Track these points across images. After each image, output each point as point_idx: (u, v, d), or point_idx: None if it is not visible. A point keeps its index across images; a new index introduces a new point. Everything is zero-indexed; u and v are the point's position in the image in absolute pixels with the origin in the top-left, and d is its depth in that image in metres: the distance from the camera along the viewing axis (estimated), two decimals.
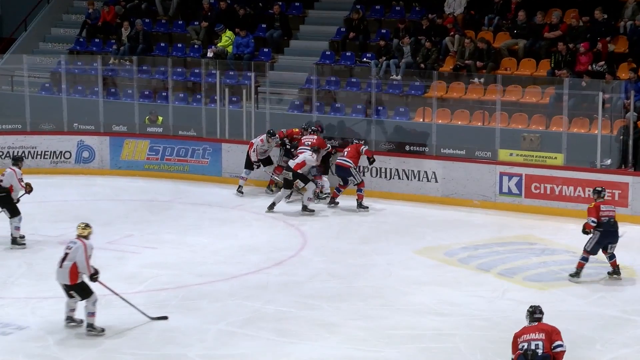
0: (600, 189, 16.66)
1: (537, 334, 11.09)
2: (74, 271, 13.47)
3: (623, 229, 16.75)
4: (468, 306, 15.66)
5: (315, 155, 21.25)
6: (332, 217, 21.45)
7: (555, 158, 21.87)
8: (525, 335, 11.12)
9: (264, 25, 28.43)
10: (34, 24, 30.52)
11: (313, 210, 21.22)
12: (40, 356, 13.35)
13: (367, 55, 26.24)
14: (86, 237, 13.71)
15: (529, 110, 23.39)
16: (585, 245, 16.19)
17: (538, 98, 23.72)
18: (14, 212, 18.43)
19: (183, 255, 18.37)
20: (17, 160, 19.17)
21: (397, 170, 22.80)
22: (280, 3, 28.47)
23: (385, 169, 22.71)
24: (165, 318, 14.54)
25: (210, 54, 27.26)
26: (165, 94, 26.52)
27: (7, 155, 24.30)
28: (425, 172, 21.52)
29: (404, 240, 19.58)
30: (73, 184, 24.27)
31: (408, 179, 22.70)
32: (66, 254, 13.55)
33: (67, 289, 13.69)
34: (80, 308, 13.85)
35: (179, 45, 28.66)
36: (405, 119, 24.39)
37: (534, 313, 11.45)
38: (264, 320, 14.52)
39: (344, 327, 14.68)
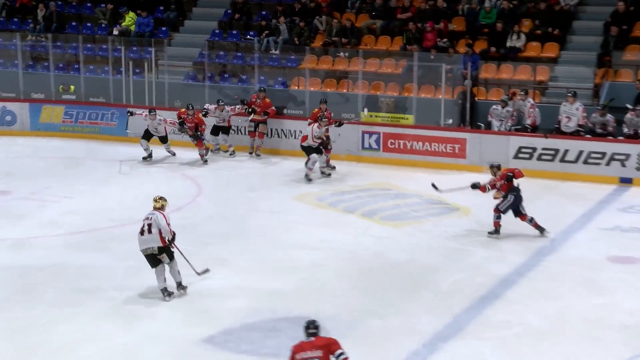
0: (496, 164, 16.40)
1: (313, 351, 9.40)
2: (161, 236, 12.95)
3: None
4: (337, 242, 15.91)
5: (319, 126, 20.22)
6: (224, 170, 21.44)
7: (407, 119, 22.35)
8: (302, 354, 9.41)
9: (161, 8, 28.32)
10: None
11: (310, 180, 20.37)
12: None
13: (250, 33, 26.23)
14: (161, 209, 13.21)
15: (385, 79, 23.70)
16: (499, 206, 15.99)
17: (393, 69, 24.07)
18: None
19: (96, 203, 18.26)
20: None
21: (277, 130, 22.91)
22: None
23: (270, 129, 22.73)
24: (208, 271, 14.22)
25: (115, 32, 27.01)
26: (77, 66, 26.09)
27: None
28: (301, 131, 21.52)
29: (284, 189, 19.71)
30: None
31: (287, 137, 22.80)
32: (149, 225, 12.99)
33: (159, 252, 13.02)
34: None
35: (88, 24, 28.33)
36: (283, 87, 24.43)
37: (308, 328, 9.63)
38: None
39: (234, 261, 14.81)
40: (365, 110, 22.49)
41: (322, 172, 20.61)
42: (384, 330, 12.32)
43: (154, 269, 13.08)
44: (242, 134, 22.99)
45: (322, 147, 20.30)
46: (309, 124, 20.46)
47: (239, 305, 12.96)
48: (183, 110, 21.84)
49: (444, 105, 21.90)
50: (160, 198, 13.35)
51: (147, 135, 21.92)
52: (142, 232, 13.02)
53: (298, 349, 9.45)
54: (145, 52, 25.60)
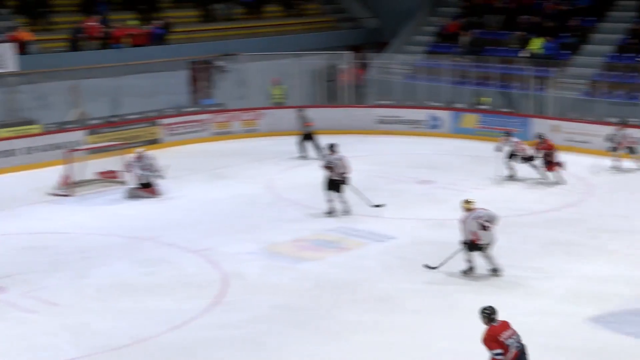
0: None
1: (510, 329, 8.64)
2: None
3: None
4: None
5: None
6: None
7: None
8: (506, 332, 8.55)
9: (565, 34, 27.46)
10: (402, 33, 30.91)
11: None
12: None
13: None
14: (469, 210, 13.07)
15: None
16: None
17: None
18: None
19: (499, 195, 18.14)
20: None
21: None
22: (578, 18, 27.40)
23: None
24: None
25: (524, 54, 26.70)
26: (491, 82, 26.10)
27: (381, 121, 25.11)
28: None
29: None
30: (426, 142, 24.42)
31: None
32: (485, 221, 12.90)
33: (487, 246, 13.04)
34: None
35: (502, 48, 28.13)
36: None
37: (492, 314, 8.71)
38: None
39: (621, 252, 14.05)
40: None
41: None
42: None
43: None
44: None
45: None
46: None
47: (624, 292, 12.33)
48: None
49: None
50: (468, 201, 13.23)
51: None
52: (485, 227, 12.88)
53: (499, 331, 8.56)
54: (548, 71, 25.11)
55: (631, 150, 20.35)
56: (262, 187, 18.98)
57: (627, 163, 20.21)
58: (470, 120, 25.10)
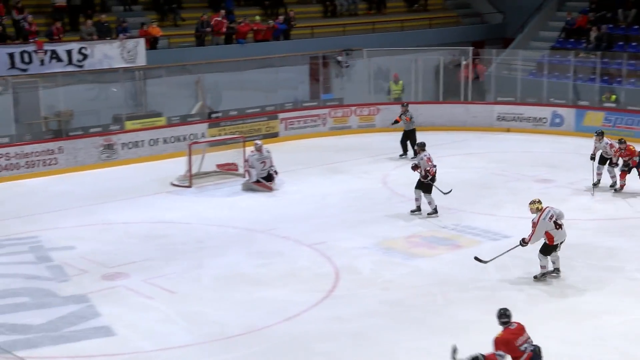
0: None
1: (525, 333, 8.94)
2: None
3: None
4: None
5: None
6: None
7: None
8: (521, 338, 8.84)
9: None
10: (527, 28, 30.43)
11: None
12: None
13: None
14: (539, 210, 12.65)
15: None
16: None
17: None
18: None
19: None
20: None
21: None
22: None
23: None
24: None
25: None
26: (620, 79, 25.44)
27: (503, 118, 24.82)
28: None
29: None
30: (547, 140, 23.94)
31: None
32: (558, 219, 12.66)
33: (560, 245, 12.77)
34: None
35: (634, 43, 27.33)
36: None
37: (509, 317, 9.07)
38: None
39: None
40: None
41: None
42: None
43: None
44: None
45: None
46: None
47: None
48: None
49: None
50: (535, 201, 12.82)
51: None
52: (559, 227, 12.55)
53: (514, 336, 8.85)
54: None
55: None
56: (377, 183, 19.06)
57: None
58: (595, 118, 24.46)
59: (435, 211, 16.24)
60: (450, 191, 16.37)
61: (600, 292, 12.43)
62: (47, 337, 11.07)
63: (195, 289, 12.77)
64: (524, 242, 12.72)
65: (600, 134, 18.51)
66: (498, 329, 9.12)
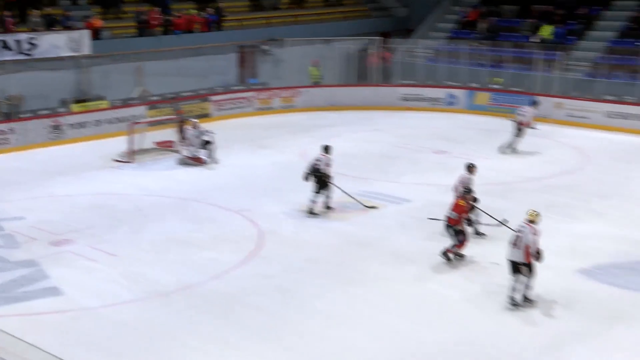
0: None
1: None
2: (527, 252, 10.20)
3: None
4: None
5: None
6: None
7: None
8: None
9: (572, 21, 26.98)
10: (428, 21, 30.53)
11: None
12: None
13: None
14: (534, 223, 10.35)
15: None
16: None
17: None
18: None
19: (505, 164, 17.95)
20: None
21: None
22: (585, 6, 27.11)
23: None
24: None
25: (535, 40, 26.25)
26: (503, 65, 25.67)
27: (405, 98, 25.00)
28: None
29: None
30: (443, 117, 24.11)
31: None
32: (518, 237, 10.30)
33: (518, 265, 10.35)
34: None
35: (515, 34, 27.61)
36: None
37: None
38: None
39: (609, 215, 13.81)
40: None
41: None
42: None
43: (511, 275, 10.46)
44: None
45: None
46: None
47: (611, 248, 12.17)
48: None
49: None
50: (535, 213, 10.44)
51: None
52: (513, 243, 10.36)
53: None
54: (555, 55, 24.65)
55: None
56: (298, 156, 18.96)
57: None
58: (483, 98, 24.80)
59: (329, 207, 14.58)
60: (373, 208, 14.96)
61: (489, 244, 12.55)
62: None
63: (135, 252, 12.53)
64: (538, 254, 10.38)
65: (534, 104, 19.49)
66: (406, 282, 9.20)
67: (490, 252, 12.05)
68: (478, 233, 12.87)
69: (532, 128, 19.14)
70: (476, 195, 12.37)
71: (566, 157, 18.63)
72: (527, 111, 19.34)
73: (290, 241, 13.04)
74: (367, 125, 22.45)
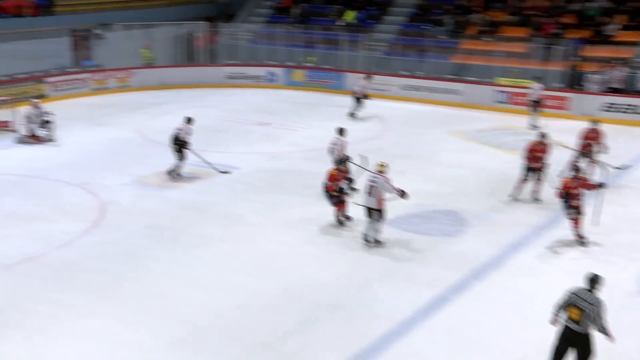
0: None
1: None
2: (380, 200, 10.64)
3: None
4: (476, 163, 15.46)
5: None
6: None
7: (529, 83, 20.90)
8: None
9: (370, 7, 27.77)
10: (247, 6, 30.26)
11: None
12: None
13: (428, 25, 25.31)
14: (383, 172, 10.69)
15: (517, 56, 22.30)
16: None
17: (522, 49, 22.49)
18: None
19: (322, 132, 18.29)
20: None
21: None
22: None
23: None
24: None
25: (340, 23, 26.80)
26: (316, 45, 26.00)
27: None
28: None
29: (442, 127, 19.10)
30: (264, 93, 24.10)
31: None
32: (372, 186, 10.62)
33: (371, 210, 10.76)
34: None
35: (324, 18, 28.00)
36: (445, 60, 23.49)
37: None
38: None
39: (409, 173, 14.51)
40: None
41: None
42: (503, 222, 11.94)
43: (367, 218, 10.91)
44: None
45: None
46: None
47: (410, 201, 12.77)
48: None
49: (555, 74, 20.49)
50: (383, 164, 10.81)
51: None
52: (368, 192, 10.71)
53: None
54: (358, 36, 25.36)
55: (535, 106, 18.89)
56: (133, 132, 18.33)
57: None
58: (299, 75, 25.10)
59: (178, 175, 14.29)
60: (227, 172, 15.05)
61: (303, 202, 12.80)
62: None
63: None
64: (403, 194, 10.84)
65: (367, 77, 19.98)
66: (239, 241, 9.17)
67: (317, 210, 12.31)
68: (353, 189, 12.48)
69: (367, 98, 20.04)
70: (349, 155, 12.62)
71: (371, 124, 19.31)
72: (362, 84, 20.15)
73: (130, 210, 12.60)
74: (198, 102, 22.04)
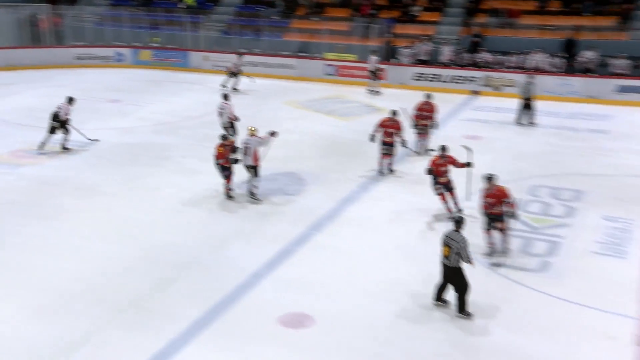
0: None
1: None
2: (256, 157, 10.96)
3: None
4: (310, 128, 15.59)
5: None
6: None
7: (351, 57, 21.44)
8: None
9: None
10: None
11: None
12: None
13: (260, 6, 25.06)
14: (254, 135, 11.00)
15: (340, 33, 22.73)
16: None
17: (344, 27, 22.97)
18: None
19: (170, 107, 17.78)
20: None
21: None
22: None
23: None
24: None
25: (182, 6, 25.86)
26: (160, 27, 25.02)
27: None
28: None
29: (278, 98, 19.11)
30: (113, 72, 22.94)
31: None
32: (247, 147, 10.92)
33: (250, 167, 11.04)
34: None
35: (167, 1, 26.79)
36: (279, 38, 23.50)
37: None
38: None
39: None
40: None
41: None
42: (339, 180, 12.26)
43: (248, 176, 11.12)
44: None
45: None
46: None
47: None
48: None
49: (373, 48, 21.15)
50: (252, 128, 11.11)
51: None
52: (244, 153, 10.97)
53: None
54: (199, 18, 24.68)
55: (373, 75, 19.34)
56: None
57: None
58: (146, 54, 24.05)
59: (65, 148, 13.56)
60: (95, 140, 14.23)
61: (156, 172, 12.32)
62: None
63: None
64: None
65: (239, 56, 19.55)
66: (97, 210, 8.66)
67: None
68: (236, 161, 11.37)
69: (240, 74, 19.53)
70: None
71: (214, 99, 18.92)
72: (236, 62, 19.70)
73: None
74: (48, 82, 20.46)
